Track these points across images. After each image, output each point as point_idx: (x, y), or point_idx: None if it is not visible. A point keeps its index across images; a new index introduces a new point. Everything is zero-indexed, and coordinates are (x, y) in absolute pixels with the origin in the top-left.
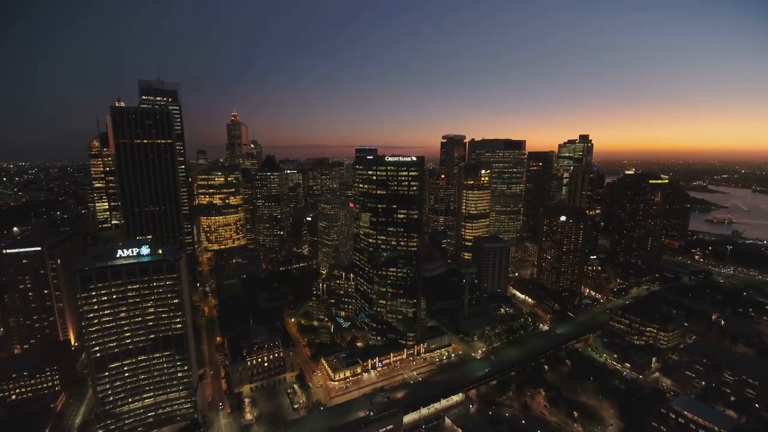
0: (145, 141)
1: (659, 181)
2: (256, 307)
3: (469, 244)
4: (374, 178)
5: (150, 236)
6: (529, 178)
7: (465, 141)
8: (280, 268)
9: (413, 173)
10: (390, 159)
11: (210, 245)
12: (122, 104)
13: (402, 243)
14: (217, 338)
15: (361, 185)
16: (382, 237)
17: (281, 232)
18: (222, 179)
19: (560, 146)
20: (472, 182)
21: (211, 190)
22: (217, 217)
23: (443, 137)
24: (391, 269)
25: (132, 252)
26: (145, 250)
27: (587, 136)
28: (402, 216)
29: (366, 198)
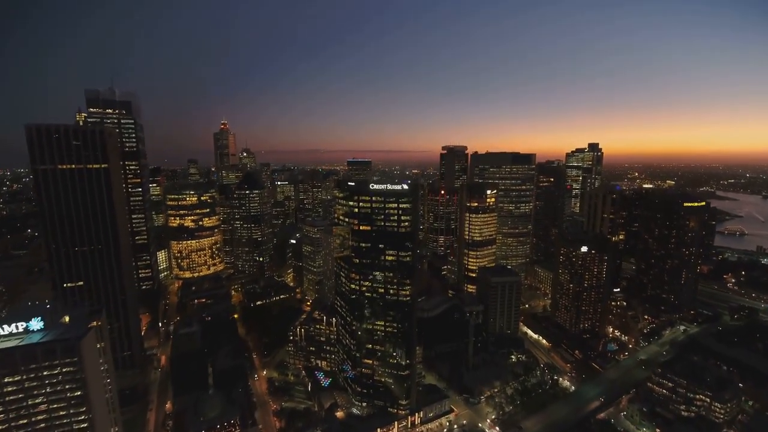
0: (72, 166)
1: (695, 204)
2: (215, 366)
3: (473, 275)
4: (356, 210)
5: (81, 282)
6: (539, 195)
7: (467, 152)
8: (257, 302)
9: (404, 205)
10: (376, 187)
11: (182, 273)
12: (84, 116)
13: (391, 291)
14: (168, 404)
15: (342, 218)
16: (367, 283)
17: (260, 258)
18: (195, 198)
19: (568, 155)
20: (476, 204)
21: (182, 211)
22: (189, 242)
23: (443, 148)
24: (379, 323)
25: (16, 328)
26: (35, 324)
27: (597, 144)
28: (391, 258)
29: (347, 234)
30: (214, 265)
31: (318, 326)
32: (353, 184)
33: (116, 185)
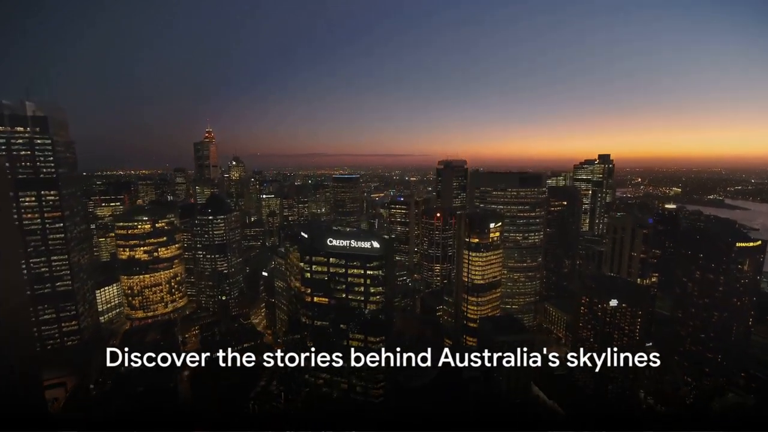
0: None
1: (750, 244)
2: None
3: (473, 325)
4: (308, 275)
5: None
6: (550, 221)
7: (466, 167)
8: (215, 354)
9: (373, 272)
10: (335, 244)
11: (133, 312)
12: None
13: (358, 389)
14: None
15: (294, 282)
16: (325, 375)
17: (223, 296)
18: (148, 226)
19: (576, 167)
20: (476, 240)
21: (132, 242)
22: (142, 276)
23: (440, 162)
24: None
25: None
26: None
27: (608, 156)
28: (357, 344)
29: (299, 308)
30: (173, 301)
31: (275, 404)
32: (305, 236)
33: None
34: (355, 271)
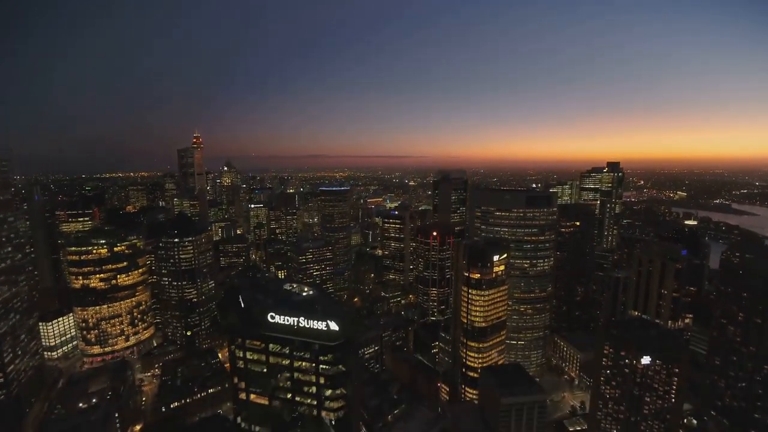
0: None
1: None
2: None
3: (474, 375)
4: (241, 365)
5: None
6: (561, 244)
7: (466, 177)
8: (173, 403)
9: (328, 367)
10: (278, 321)
11: (89, 348)
12: None
13: None
14: None
15: (239, 363)
16: None
17: (188, 332)
18: (104, 250)
19: (583, 176)
20: (477, 276)
21: (86, 268)
22: (98, 307)
23: (437, 174)
24: None
25: None
26: None
27: (617, 164)
28: None
29: (232, 405)
30: (136, 333)
31: None
32: (243, 307)
33: None
34: (304, 364)
